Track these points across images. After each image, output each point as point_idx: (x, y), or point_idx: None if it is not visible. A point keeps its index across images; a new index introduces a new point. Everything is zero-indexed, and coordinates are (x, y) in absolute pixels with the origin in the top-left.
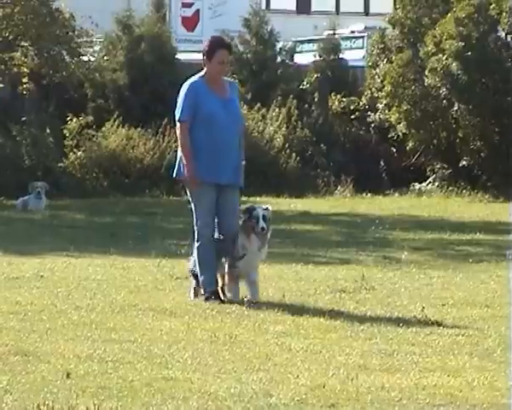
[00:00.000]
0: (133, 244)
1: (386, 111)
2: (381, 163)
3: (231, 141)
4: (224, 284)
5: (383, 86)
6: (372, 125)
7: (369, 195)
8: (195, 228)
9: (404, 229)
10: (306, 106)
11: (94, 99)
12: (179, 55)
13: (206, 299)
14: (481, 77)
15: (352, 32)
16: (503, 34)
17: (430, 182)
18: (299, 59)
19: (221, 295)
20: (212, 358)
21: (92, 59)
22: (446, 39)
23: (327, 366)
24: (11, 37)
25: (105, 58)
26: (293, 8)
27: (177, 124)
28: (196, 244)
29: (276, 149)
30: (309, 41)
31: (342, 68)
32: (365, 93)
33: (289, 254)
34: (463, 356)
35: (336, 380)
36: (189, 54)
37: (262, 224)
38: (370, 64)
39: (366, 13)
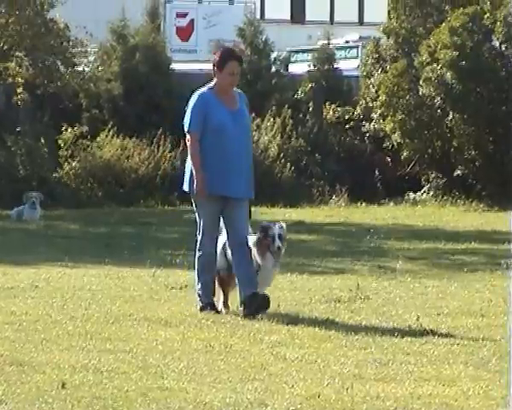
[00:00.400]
0: (128, 254)
1: (381, 120)
2: (376, 172)
3: (241, 152)
4: (225, 295)
5: (378, 96)
6: (367, 134)
7: (363, 204)
8: (198, 238)
9: (398, 238)
10: (301, 115)
11: (88, 109)
12: (174, 65)
13: (202, 309)
14: (476, 86)
15: (347, 41)
16: (498, 44)
17: (425, 191)
18: (294, 69)
19: (217, 306)
20: (207, 368)
21: (87, 69)
22: (441, 49)
23: (322, 376)
24: (6, 47)
25: (99, 68)
26: (288, 17)
27: (187, 136)
28: (198, 254)
29: (270, 159)
30: (303, 51)
31: (337, 78)
32: (360, 103)
33: (284, 263)
34: (458, 365)
35: (331, 390)
36: (183, 64)
37: (278, 243)
38: (365, 74)
39: (360, 22)
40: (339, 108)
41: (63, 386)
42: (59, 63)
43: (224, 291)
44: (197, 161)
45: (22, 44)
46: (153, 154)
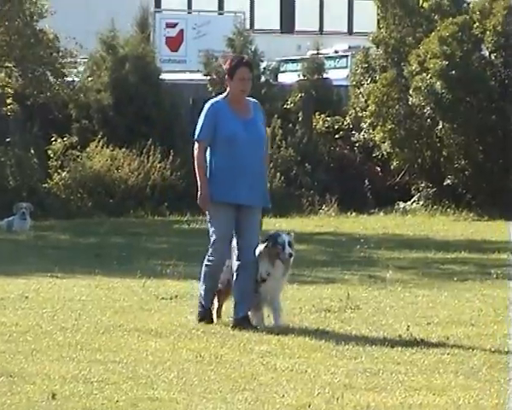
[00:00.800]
0: (118, 265)
1: (371, 130)
2: (366, 182)
3: (252, 162)
4: (219, 305)
5: (367, 105)
6: (356, 144)
7: (353, 214)
8: (210, 246)
9: (388, 248)
10: (291, 125)
11: (78, 120)
12: (163, 76)
13: (200, 319)
14: (465, 96)
15: (336, 51)
16: (487, 53)
17: (415, 201)
18: (284, 79)
19: (214, 316)
20: (197, 378)
21: (76, 79)
22: (430, 58)
23: (312, 386)
24: None
25: (89, 79)
26: (277, 27)
27: (195, 144)
28: (206, 261)
29: None
30: (293, 61)
31: (326, 88)
32: (349, 112)
33: None
34: (449, 375)
35: (322, 399)
36: (173, 74)
37: (289, 250)
38: (354, 83)
39: (350, 32)
40: (328, 118)
41: (53, 397)
42: (48, 74)
43: (219, 301)
44: (202, 171)
45: (12, 55)
46: (142, 164)
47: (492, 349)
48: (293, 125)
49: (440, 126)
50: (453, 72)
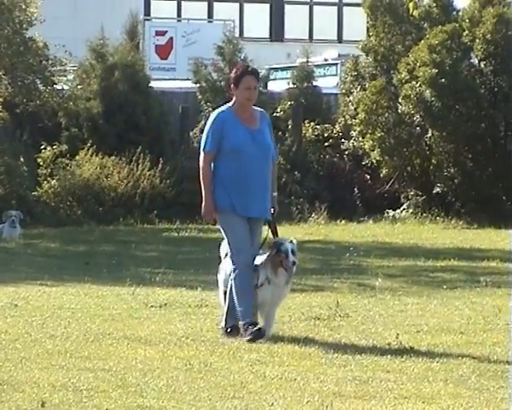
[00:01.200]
0: (107, 272)
1: (360, 138)
2: (355, 190)
3: (260, 172)
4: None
5: (357, 113)
6: (346, 152)
7: (343, 222)
8: (230, 258)
9: (378, 256)
10: (280, 133)
11: (68, 128)
12: (153, 83)
13: (246, 331)
14: (455, 104)
15: (326, 59)
16: (477, 61)
17: (404, 209)
18: (273, 86)
19: (258, 324)
20: (186, 386)
21: (66, 87)
22: (420, 66)
23: (302, 394)
24: None
25: (79, 87)
26: (267, 35)
27: (201, 154)
28: (233, 275)
29: None
30: (282, 69)
31: (316, 96)
32: (339, 120)
33: None
34: (438, 383)
35: (311, 407)
36: (162, 82)
37: (293, 258)
38: (344, 91)
39: (339, 40)
40: (318, 126)
41: (43, 405)
42: (38, 82)
43: None
44: (208, 182)
45: (1, 63)
46: (132, 172)
47: (482, 357)
48: (282, 133)
49: (430, 134)
50: (442, 80)
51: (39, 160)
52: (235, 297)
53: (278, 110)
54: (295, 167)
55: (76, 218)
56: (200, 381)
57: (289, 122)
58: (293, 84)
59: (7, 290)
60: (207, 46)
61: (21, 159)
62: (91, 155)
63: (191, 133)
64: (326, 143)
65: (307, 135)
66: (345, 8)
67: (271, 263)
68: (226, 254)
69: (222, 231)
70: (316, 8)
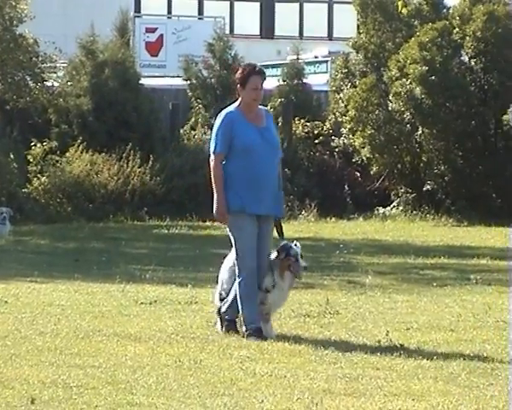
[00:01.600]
0: (97, 269)
1: (351, 135)
2: (346, 187)
3: (270, 171)
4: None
5: (347, 111)
6: (336, 149)
7: (333, 219)
8: (236, 262)
9: (368, 253)
10: None
11: (58, 124)
12: (143, 80)
13: (248, 336)
14: (445, 101)
15: (316, 56)
16: (467, 58)
17: (394, 206)
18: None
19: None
20: (176, 383)
21: (56, 84)
22: (410, 64)
23: (291, 391)
24: None
25: (69, 83)
26: (257, 32)
27: (211, 156)
28: (238, 279)
29: None
30: (273, 66)
31: (306, 93)
32: (329, 118)
33: None
34: (428, 380)
35: (301, 405)
36: (152, 79)
37: (304, 263)
38: (334, 89)
39: (330, 37)
40: (308, 123)
41: (32, 402)
42: (28, 78)
43: None
44: (220, 183)
45: None
46: (122, 169)
47: (472, 355)
48: None
49: (420, 132)
50: (433, 77)
51: (29, 156)
52: (240, 304)
53: (268, 107)
54: (285, 165)
55: (66, 215)
56: (189, 378)
57: (279, 119)
58: (284, 81)
59: None
60: (198, 43)
61: (11, 156)
62: (81, 152)
63: (181, 130)
64: (316, 141)
65: (297, 132)
66: (335, 6)
67: (279, 267)
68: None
69: (230, 233)
70: (306, 5)
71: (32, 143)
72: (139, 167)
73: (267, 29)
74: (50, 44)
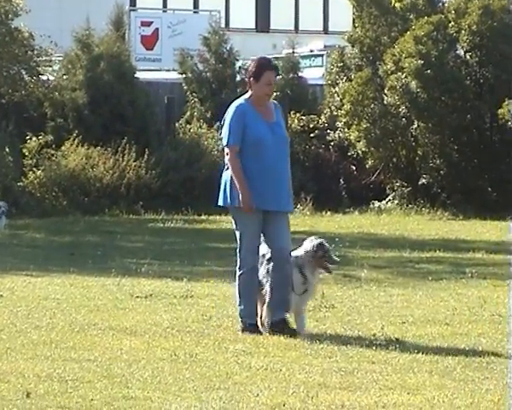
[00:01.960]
0: (93, 263)
1: (346, 129)
2: (341, 181)
3: (280, 165)
4: (261, 315)
5: (342, 104)
6: (332, 143)
7: (328, 213)
8: (238, 256)
9: (363, 247)
10: None
11: (53, 118)
12: (138, 74)
13: (243, 330)
14: (440, 95)
15: (312, 50)
16: (462, 52)
17: (390, 200)
18: None
19: (260, 328)
20: (172, 377)
21: (51, 78)
22: (405, 57)
23: (287, 385)
24: None
25: (64, 77)
26: (253, 26)
27: (226, 149)
28: (238, 272)
29: None
30: None
31: (301, 87)
32: (325, 111)
33: None
34: (423, 374)
35: (296, 398)
36: (148, 72)
37: (337, 259)
38: (330, 82)
39: (325, 31)
40: (304, 117)
41: (28, 395)
42: (23, 72)
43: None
44: (240, 175)
45: None
46: (117, 163)
47: (467, 348)
48: None
49: (415, 126)
50: (428, 71)
51: (25, 150)
52: (237, 296)
53: None
54: None
55: (61, 208)
56: (185, 372)
57: None
58: (279, 74)
59: None
60: (193, 37)
61: (7, 149)
62: (77, 146)
63: (177, 124)
64: (312, 134)
65: (293, 126)
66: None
67: (314, 264)
68: (264, 255)
69: (235, 226)
70: None
71: (28, 137)
72: (134, 161)
73: (263, 23)
74: (46, 38)
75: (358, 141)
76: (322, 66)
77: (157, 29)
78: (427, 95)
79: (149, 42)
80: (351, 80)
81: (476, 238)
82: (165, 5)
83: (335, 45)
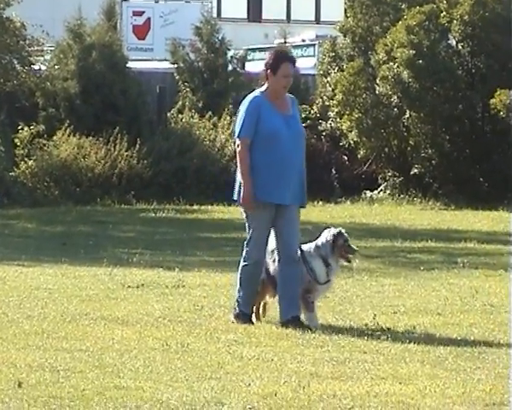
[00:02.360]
0: (85, 253)
1: (338, 119)
2: (333, 171)
3: (294, 159)
4: (259, 303)
5: (334, 94)
6: (324, 133)
7: (320, 203)
8: (245, 247)
9: (355, 237)
10: None
11: (45, 108)
12: (130, 64)
13: (236, 316)
14: (432, 85)
15: (303, 40)
16: (454, 42)
17: (381, 190)
18: (251, 67)
19: (253, 319)
20: (163, 366)
21: (43, 68)
22: (397, 47)
23: (278, 374)
24: None
25: (56, 67)
26: (245, 16)
27: (237, 141)
28: (243, 263)
29: (227, 158)
30: (260, 49)
31: (293, 77)
32: (317, 101)
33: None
34: (415, 364)
35: (288, 388)
36: (140, 62)
37: (356, 248)
38: (321, 72)
39: (317, 21)
40: None
41: (19, 385)
42: (15, 62)
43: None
44: (246, 169)
45: None
46: (109, 153)
47: (459, 338)
48: None
49: (407, 116)
50: (420, 61)
51: (16, 140)
52: (238, 285)
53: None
54: None
55: (53, 198)
56: (177, 361)
57: None
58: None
59: None
60: (185, 27)
61: None
62: (68, 136)
63: (169, 114)
64: (303, 124)
65: None
66: None
67: (335, 254)
68: (272, 251)
69: (246, 219)
70: None
71: (20, 127)
72: (126, 151)
73: (254, 12)
74: (38, 28)
75: (350, 131)
76: (314, 56)
77: (149, 19)
78: (418, 85)
79: (141, 31)
80: (342, 70)
81: (468, 228)
82: None
83: (327, 35)
